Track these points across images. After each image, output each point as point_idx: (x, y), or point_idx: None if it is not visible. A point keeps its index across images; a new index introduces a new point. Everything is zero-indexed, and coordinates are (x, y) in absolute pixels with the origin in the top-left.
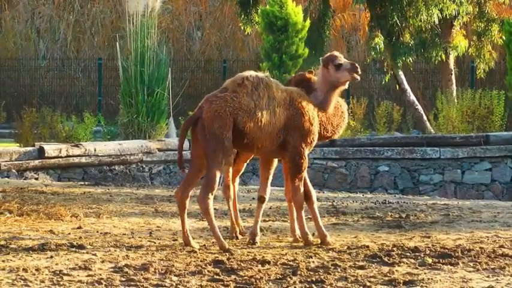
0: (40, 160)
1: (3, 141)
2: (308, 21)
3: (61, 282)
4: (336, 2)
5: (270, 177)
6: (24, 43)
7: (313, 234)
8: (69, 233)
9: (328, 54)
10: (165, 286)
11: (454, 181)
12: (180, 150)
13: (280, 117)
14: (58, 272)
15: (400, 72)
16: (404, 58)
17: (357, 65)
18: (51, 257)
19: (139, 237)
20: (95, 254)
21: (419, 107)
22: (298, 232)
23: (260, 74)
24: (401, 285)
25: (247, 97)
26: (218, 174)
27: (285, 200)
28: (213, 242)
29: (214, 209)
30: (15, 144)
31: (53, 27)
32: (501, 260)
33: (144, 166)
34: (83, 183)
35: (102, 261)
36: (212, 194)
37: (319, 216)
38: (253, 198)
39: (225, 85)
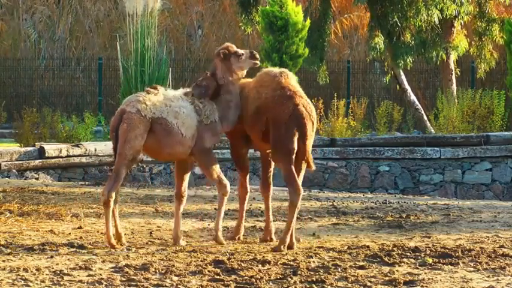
0: (40, 160)
1: (4, 141)
2: (308, 21)
3: (61, 282)
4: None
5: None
6: (24, 43)
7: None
8: (70, 233)
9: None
10: (165, 286)
11: (454, 181)
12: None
13: None
14: (58, 272)
15: (401, 72)
16: (404, 58)
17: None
18: (52, 256)
19: (139, 237)
20: (95, 254)
21: (419, 107)
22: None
23: None
24: (401, 285)
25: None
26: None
27: (284, 200)
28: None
29: (214, 209)
30: (16, 144)
31: (53, 27)
32: (501, 260)
33: (144, 166)
34: (83, 183)
35: (103, 261)
36: None
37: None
38: (254, 198)
39: (263, 78)
